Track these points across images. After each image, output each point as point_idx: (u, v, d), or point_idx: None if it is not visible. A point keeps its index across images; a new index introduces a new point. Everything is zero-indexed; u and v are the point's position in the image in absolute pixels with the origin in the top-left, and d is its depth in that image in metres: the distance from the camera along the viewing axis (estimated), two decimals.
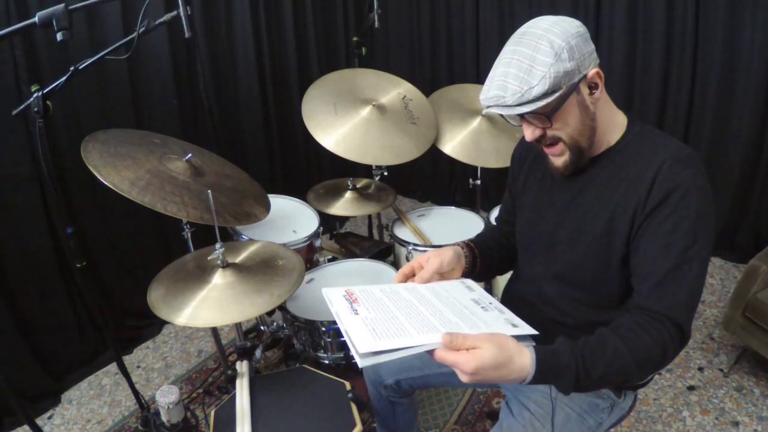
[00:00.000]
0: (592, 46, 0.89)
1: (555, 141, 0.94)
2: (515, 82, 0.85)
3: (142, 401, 1.60)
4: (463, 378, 0.79)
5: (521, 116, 0.92)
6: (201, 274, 1.38)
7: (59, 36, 1.09)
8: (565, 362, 0.81)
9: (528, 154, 1.15)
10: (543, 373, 0.81)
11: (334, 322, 1.58)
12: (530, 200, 1.11)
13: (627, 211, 0.91)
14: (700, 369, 2.03)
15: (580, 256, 0.99)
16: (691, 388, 1.94)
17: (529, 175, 1.13)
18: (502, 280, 1.72)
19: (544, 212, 1.07)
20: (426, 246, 1.91)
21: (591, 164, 0.98)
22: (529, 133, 0.93)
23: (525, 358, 0.80)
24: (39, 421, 1.92)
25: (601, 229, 0.95)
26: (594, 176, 0.98)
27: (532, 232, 1.10)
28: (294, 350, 1.92)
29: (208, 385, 2.07)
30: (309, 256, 1.96)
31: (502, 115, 0.94)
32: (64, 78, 1.20)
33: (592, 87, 0.90)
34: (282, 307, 1.67)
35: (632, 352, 0.83)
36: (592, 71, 0.88)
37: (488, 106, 0.90)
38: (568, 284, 1.02)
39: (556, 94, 0.85)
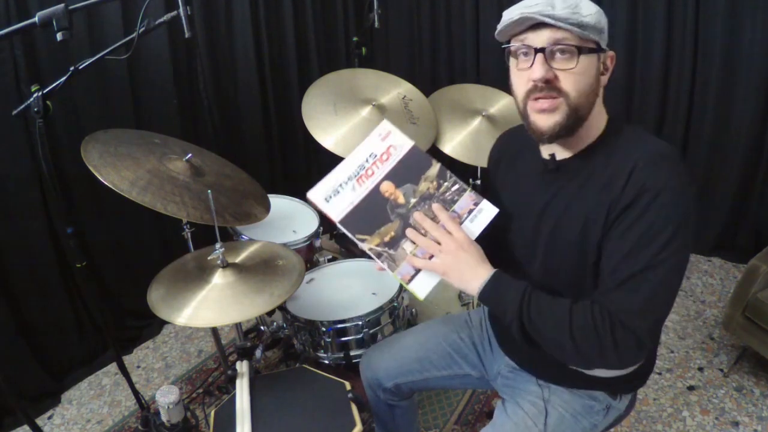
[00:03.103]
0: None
1: (557, 93, 0.86)
2: (563, 3, 0.82)
3: (142, 401, 1.60)
4: (444, 252, 0.93)
5: (542, 51, 0.84)
6: (201, 274, 1.38)
7: (59, 36, 1.09)
8: (511, 296, 0.91)
9: (502, 156, 1.13)
10: (489, 295, 0.93)
11: (334, 322, 1.59)
12: (509, 199, 1.08)
13: (600, 215, 0.88)
14: (700, 369, 2.03)
15: (556, 263, 0.97)
16: (691, 388, 1.94)
17: (509, 171, 1.11)
18: None
19: (520, 217, 1.04)
20: None
21: (567, 166, 0.95)
22: (543, 71, 0.84)
23: (485, 270, 0.93)
24: (39, 421, 1.92)
25: (575, 234, 0.92)
26: (570, 179, 0.95)
27: (509, 237, 1.07)
28: (294, 350, 1.92)
29: (208, 385, 2.07)
30: (309, 256, 1.96)
31: (524, 50, 0.86)
32: (64, 78, 1.20)
33: (604, 68, 0.90)
34: (282, 307, 1.67)
35: (572, 334, 0.86)
36: (611, 52, 0.89)
37: (526, 14, 0.82)
38: (547, 291, 0.96)
39: (594, 38, 0.84)
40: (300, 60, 3.02)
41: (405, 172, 1.00)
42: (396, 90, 2.05)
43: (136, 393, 1.58)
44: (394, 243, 0.97)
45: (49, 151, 1.23)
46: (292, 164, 3.20)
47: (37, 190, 1.95)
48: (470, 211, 0.99)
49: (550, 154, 0.97)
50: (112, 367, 2.21)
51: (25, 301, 1.99)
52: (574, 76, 0.85)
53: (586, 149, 0.94)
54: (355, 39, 2.24)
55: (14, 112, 1.23)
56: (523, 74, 0.88)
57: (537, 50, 0.84)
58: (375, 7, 2.12)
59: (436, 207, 0.97)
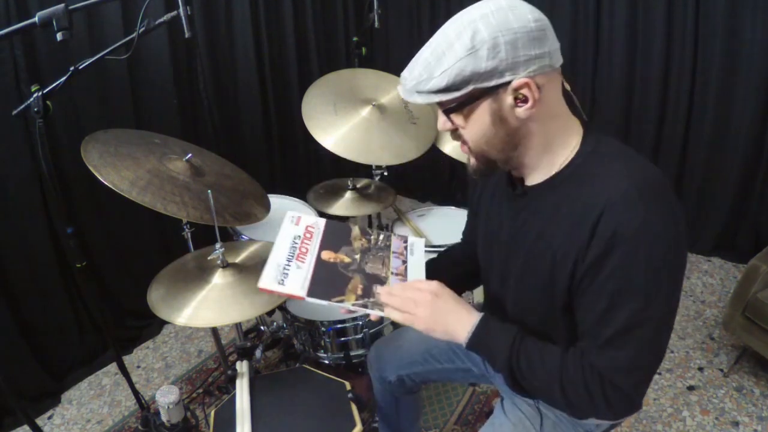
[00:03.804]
0: (545, 50, 0.74)
1: (463, 141, 0.84)
2: (421, 67, 0.77)
3: (142, 401, 1.60)
4: (420, 305, 0.87)
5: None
6: (201, 274, 1.38)
7: (59, 36, 1.09)
8: (500, 345, 0.86)
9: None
10: (478, 342, 0.87)
11: (334, 322, 1.59)
12: (483, 222, 1.04)
13: (568, 257, 0.79)
14: (700, 369, 2.03)
15: (529, 292, 0.91)
16: (691, 388, 1.94)
17: (483, 193, 1.05)
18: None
19: (495, 238, 0.98)
20: (426, 246, 1.90)
21: (534, 192, 0.87)
22: (441, 123, 0.84)
23: (473, 318, 0.88)
24: (39, 421, 1.92)
25: (544, 275, 0.85)
26: (538, 206, 0.86)
27: (488, 256, 1.03)
28: (294, 350, 1.92)
29: (208, 385, 2.07)
30: None
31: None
32: (64, 78, 1.20)
33: (519, 99, 0.75)
34: (282, 307, 1.67)
35: (563, 389, 0.82)
36: (520, 80, 0.73)
37: (399, 88, 0.84)
38: (524, 315, 0.95)
39: (458, 93, 0.75)
40: (300, 60, 3.02)
41: (335, 240, 1.03)
42: (396, 90, 2.05)
43: (136, 393, 1.58)
44: (368, 292, 0.95)
45: (49, 151, 1.22)
46: (292, 164, 3.20)
47: (37, 190, 1.95)
48: (405, 248, 1.05)
49: (519, 178, 0.90)
50: (112, 367, 2.21)
51: (25, 301, 1.99)
52: (462, 126, 0.81)
53: (554, 176, 0.84)
54: (355, 39, 2.23)
55: (14, 112, 1.23)
56: None
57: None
58: (375, 7, 2.12)
59: (384, 289, 0.94)
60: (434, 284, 0.91)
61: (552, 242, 0.83)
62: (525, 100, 0.75)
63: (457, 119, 0.81)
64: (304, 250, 0.99)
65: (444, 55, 0.74)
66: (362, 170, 2.27)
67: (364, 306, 0.93)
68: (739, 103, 2.49)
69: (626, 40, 2.67)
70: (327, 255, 1.00)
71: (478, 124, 0.79)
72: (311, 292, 0.92)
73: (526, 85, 0.73)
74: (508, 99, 0.75)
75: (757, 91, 2.41)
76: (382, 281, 0.97)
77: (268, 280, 0.92)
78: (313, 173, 3.29)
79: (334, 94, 1.95)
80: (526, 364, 0.85)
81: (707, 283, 2.57)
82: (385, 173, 2.25)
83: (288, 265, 0.95)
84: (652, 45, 2.61)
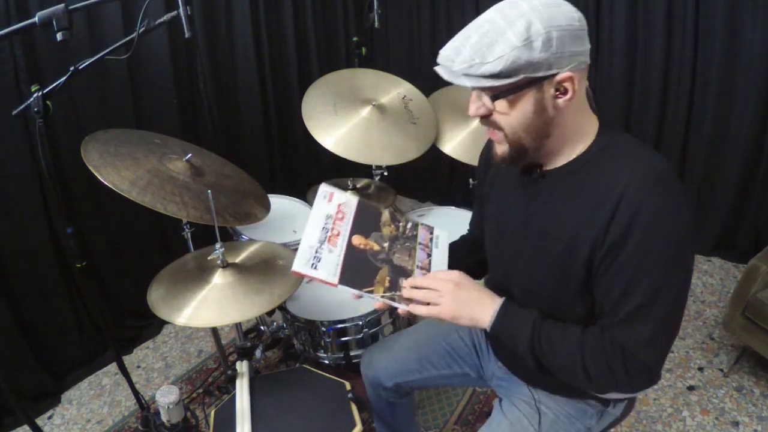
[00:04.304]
0: (584, 48, 0.79)
1: (497, 127, 0.86)
2: (471, 50, 0.77)
3: (142, 401, 1.60)
4: (444, 295, 0.91)
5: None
6: (201, 274, 1.38)
7: (59, 36, 1.09)
8: (521, 329, 0.90)
9: (489, 165, 1.09)
10: (500, 326, 0.91)
11: (334, 322, 1.59)
12: (493, 210, 1.07)
13: (587, 236, 0.83)
14: (700, 369, 2.03)
15: (539, 277, 0.94)
16: (691, 388, 1.94)
17: (494, 182, 1.07)
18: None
19: (505, 225, 1.01)
20: None
21: (552, 177, 0.91)
22: (473, 108, 0.85)
23: (495, 303, 0.92)
24: (39, 421, 1.92)
25: (559, 251, 0.88)
26: (554, 191, 0.90)
27: (496, 244, 1.07)
28: (294, 350, 1.92)
29: (208, 385, 2.07)
30: None
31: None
32: (64, 78, 1.20)
33: (560, 91, 0.80)
34: (282, 307, 1.67)
35: (585, 365, 0.85)
36: (565, 74, 0.78)
37: (438, 64, 0.83)
38: (532, 300, 0.96)
39: (509, 80, 0.77)
40: (300, 60, 3.02)
41: (365, 223, 1.03)
42: (396, 90, 2.05)
43: (136, 393, 1.58)
44: (394, 285, 0.96)
45: (49, 151, 1.22)
46: (292, 164, 3.20)
47: (37, 190, 1.95)
48: (431, 239, 1.07)
49: (537, 164, 0.93)
50: (112, 367, 2.21)
51: (25, 301, 1.99)
52: (501, 115, 0.83)
53: (573, 162, 0.88)
54: (355, 39, 2.24)
55: (14, 112, 1.23)
56: None
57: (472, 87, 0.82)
58: (375, 7, 2.12)
59: (408, 282, 0.96)
60: (455, 274, 0.94)
61: (568, 225, 0.86)
62: (565, 92, 0.80)
63: (501, 105, 0.82)
64: (336, 232, 0.99)
65: (496, 41, 0.75)
66: (362, 170, 2.27)
67: (392, 299, 0.94)
68: (739, 103, 2.49)
69: (626, 40, 2.67)
70: (357, 240, 1.00)
71: (521, 111, 0.82)
72: (342, 279, 0.93)
73: (570, 78, 0.78)
74: (551, 90, 0.80)
75: (757, 91, 2.41)
76: (407, 274, 0.98)
77: (301, 263, 0.93)
78: (313, 173, 3.29)
79: (334, 94, 1.95)
80: (548, 345, 0.88)
81: (707, 283, 2.57)
82: (385, 173, 2.25)
83: (320, 248, 0.96)
84: (652, 45, 2.61)
